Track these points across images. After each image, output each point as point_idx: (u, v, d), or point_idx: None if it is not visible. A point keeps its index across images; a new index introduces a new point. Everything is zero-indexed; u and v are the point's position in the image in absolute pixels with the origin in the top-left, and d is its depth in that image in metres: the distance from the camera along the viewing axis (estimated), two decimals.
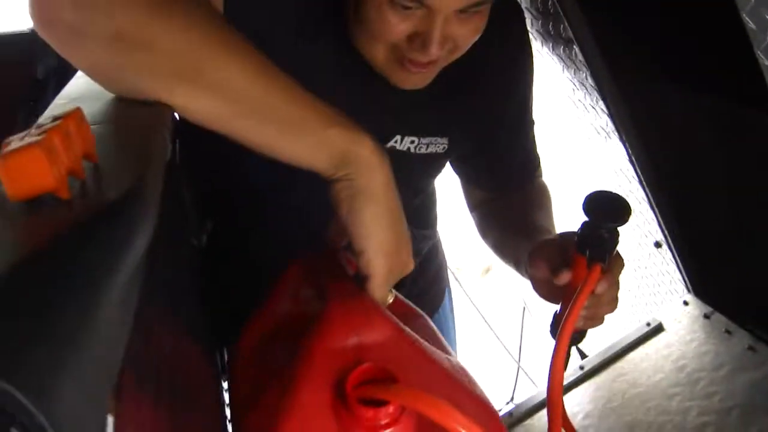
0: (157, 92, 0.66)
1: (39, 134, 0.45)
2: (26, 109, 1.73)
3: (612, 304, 0.93)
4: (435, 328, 0.89)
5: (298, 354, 0.71)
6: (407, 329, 0.74)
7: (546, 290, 0.98)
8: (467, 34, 0.87)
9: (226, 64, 0.67)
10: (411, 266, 0.79)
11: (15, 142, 0.45)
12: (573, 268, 0.90)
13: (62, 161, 0.44)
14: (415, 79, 0.92)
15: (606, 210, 0.87)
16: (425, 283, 1.29)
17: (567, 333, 0.85)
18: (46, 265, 0.34)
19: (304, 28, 0.93)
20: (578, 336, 1.02)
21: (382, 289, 0.75)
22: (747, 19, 0.82)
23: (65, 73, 1.80)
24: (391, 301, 0.80)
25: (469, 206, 1.30)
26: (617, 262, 0.91)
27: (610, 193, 0.89)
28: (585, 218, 0.88)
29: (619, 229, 0.88)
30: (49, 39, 0.65)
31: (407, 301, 0.88)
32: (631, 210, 0.87)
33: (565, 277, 0.90)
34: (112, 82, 0.68)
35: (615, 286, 0.91)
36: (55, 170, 0.42)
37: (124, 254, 0.39)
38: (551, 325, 1.00)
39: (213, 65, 0.66)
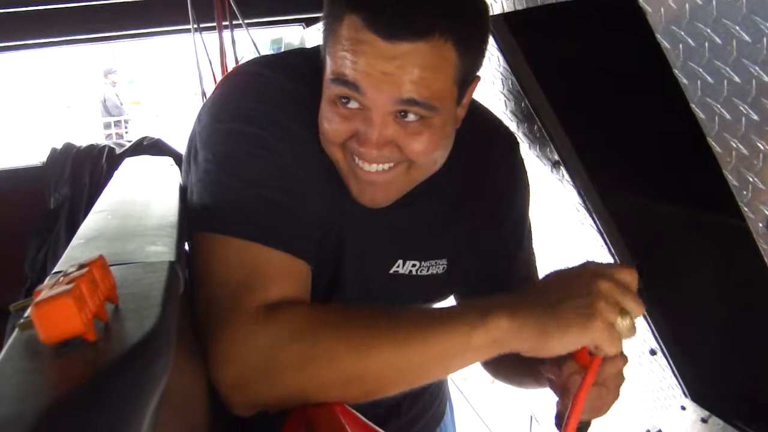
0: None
1: (68, 282, 0.50)
2: (39, 239, 1.79)
3: (614, 393, 0.95)
4: None
5: None
6: None
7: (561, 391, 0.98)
8: (414, 145, 0.90)
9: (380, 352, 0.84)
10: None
11: (46, 290, 0.51)
12: (576, 359, 0.91)
13: (89, 307, 0.50)
14: (371, 193, 0.96)
15: None
16: (427, 402, 1.30)
17: (574, 422, 0.87)
18: (78, 408, 0.39)
19: None
20: (583, 426, 1.02)
21: (612, 338, 0.87)
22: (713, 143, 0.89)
23: (76, 204, 1.88)
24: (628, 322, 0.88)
25: None
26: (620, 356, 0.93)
27: None
28: None
29: None
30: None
31: None
32: None
33: (567, 369, 0.91)
34: None
35: (617, 376, 0.94)
36: (83, 315, 0.48)
37: (146, 391, 0.44)
38: (556, 418, 1.01)
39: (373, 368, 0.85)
